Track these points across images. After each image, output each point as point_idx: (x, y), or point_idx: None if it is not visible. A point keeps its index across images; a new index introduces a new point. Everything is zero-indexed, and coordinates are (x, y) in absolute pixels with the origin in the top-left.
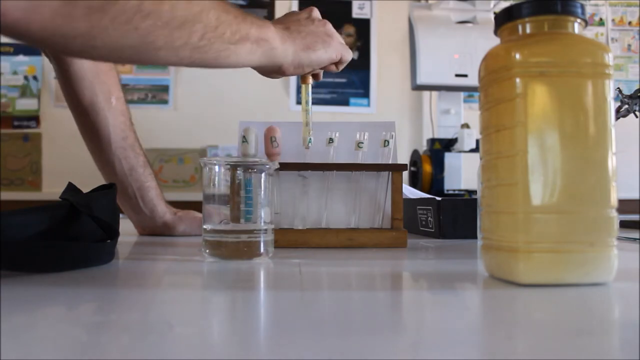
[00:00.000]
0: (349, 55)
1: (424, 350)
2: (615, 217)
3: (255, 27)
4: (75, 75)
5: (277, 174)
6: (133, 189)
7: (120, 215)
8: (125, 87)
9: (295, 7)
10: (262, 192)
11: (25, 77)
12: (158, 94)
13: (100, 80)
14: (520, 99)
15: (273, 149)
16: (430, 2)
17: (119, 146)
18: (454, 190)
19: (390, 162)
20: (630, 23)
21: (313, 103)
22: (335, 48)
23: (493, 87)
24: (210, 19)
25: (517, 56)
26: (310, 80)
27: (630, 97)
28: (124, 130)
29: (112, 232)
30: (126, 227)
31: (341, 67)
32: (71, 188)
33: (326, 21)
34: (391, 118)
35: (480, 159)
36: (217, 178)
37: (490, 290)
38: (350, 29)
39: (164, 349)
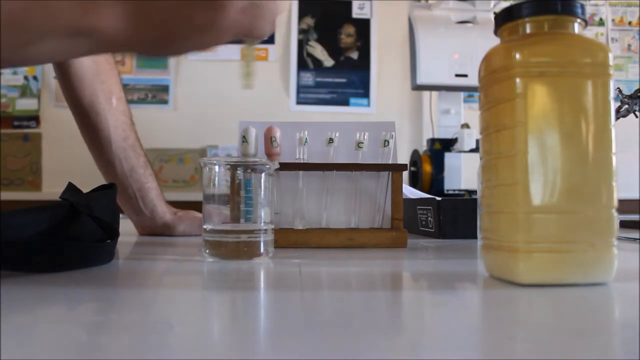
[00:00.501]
0: (254, 28)
1: (424, 350)
2: (615, 217)
3: (70, 15)
4: (74, 75)
5: (277, 174)
6: (133, 190)
7: (120, 215)
8: (125, 87)
9: (295, 7)
10: (262, 192)
11: (25, 77)
12: (158, 94)
13: (100, 80)
14: (520, 99)
15: (273, 149)
16: (430, 2)
17: (120, 146)
18: (454, 190)
19: (390, 162)
20: (630, 23)
21: (313, 103)
22: (220, 36)
23: (493, 87)
24: None
25: (517, 56)
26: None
27: (630, 97)
28: (124, 131)
29: (112, 232)
30: (126, 227)
31: (253, 40)
32: (71, 188)
33: None
34: (391, 118)
35: (480, 159)
36: (217, 178)
37: (490, 290)
38: (350, 29)
39: (164, 349)
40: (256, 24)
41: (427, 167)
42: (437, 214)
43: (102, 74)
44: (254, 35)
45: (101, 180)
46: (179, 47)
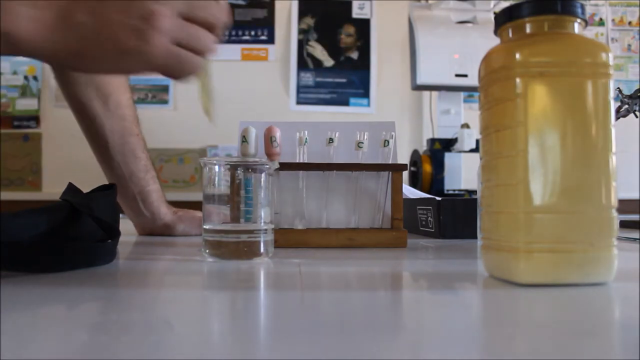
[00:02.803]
0: (184, 71)
1: (424, 350)
2: (615, 217)
3: None
4: (68, 76)
5: (277, 174)
6: (133, 192)
7: (121, 216)
8: None
9: (295, 7)
10: (262, 192)
11: (25, 77)
12: (158, 94)
13: (97, 83)
14: (520, 99)
15: (273, 149)
16: (430, 2)
17: (118, 151)
18: (454, 190)
19: (390, 162)
20: (630, 23)
21: (313, 103)
22: (145, 62)
23: (493, 87)
24: None
25: (517, 56)
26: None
27: (630, 97)
28: (123, 136)
29: (113, 232)
30: (126, 227)
31: (181, 80)
32: (71, 188)
33: (162, 7)
34: (391, 118)
35: (480, 159)
36: (217, 178)
37: (490, 290)
38: (350, 29)
39: (164, 349)
40: (176, 67)
41: (427, 167)
42: (437, 214)
43: (100, 77)
44: (169, 75)
45: (101, 181)
46: (96, 65)
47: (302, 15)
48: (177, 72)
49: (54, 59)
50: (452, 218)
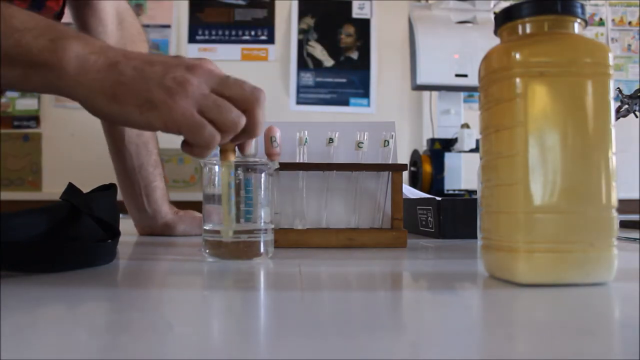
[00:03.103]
0: (202, 136)
1: (424, 350)
2: (615, 217)
3: (40, 49)
4: None
5: (277, 174)
6: (140, 187)
7: (121, 215)
8: None
9: (295, 7)
10: (262, 192)
11: None
12: None
13: None
14: (520, 99)
15: (273, 149)
16: (430, 2)
17: (132, 142)
18: (454, 190)
19: (390, 162)
20: (630, 23)
21: (313, 103)
22: (167, 116)
23: (493, 87)
24: None
25: (517, 56)
26: (233, 157)
27: (630, 97)
28: None
29: (113, 232)
30: (126, 227)
31: (198, 153)
32: (71, 188)
33: (196, 76)
34: (391, 118)
35: (480, 159)
36: (217, 178)
37: (490, 290)
38: (350, 29)
39: (164, 349)
40: (195, 132)
41: (427, 167)
42: (437, 214)
43: None
44: (187, 137)
45: (101, 180)
46: (122, 111)
47: (302, 15)
48: (195, 137)
49: (87, 97)
50: (452, 218)
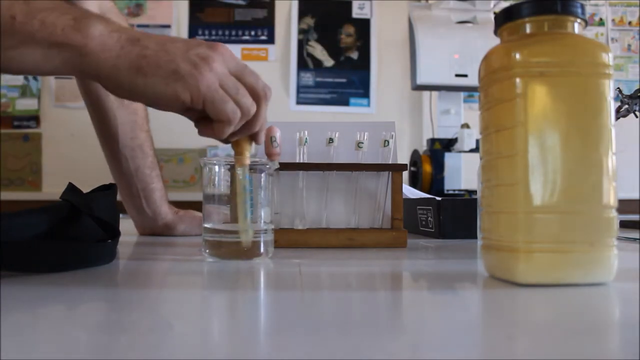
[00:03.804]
0: (225, 109)
1: (424, 350)
2: (615, 217)
3: (63, 28)
4: None
5: (277, 174)
6: (137, 189)
7: (121, 215)
8: None
9: (295, 7)
10: (262, 192)
11: (25, 77)
12: None
13: None
14: (520, 99)
15: (273, 149)
16: (430, 2)
17: (127, 145)
18: (454, 190)
19: (390, 162)
20: (630, 23)
21: (313, 103)
22: (192, 86)
23: (493, 87)
24: None
25: (517, 56)
26: (248, 161)
27: (630, 97)
28: (133, 130)
29: (113, 232)
30: (126, 227)
31: (219, 131)
32: (71, 188)
33: (218, 54)
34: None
35: (480, 159)
36: (217, 178)
37: (490, 290)
38: (350, 29)
39: (164, 349)
40: (217, 103)
41: (427, 167)
42: (437, 214)
43: None
44: (209, 109)
45: (101, 181)
46: (148, 83)
47: (302, 15)
48: (219, 110)
49: (110, 74)
50: (452, 218)
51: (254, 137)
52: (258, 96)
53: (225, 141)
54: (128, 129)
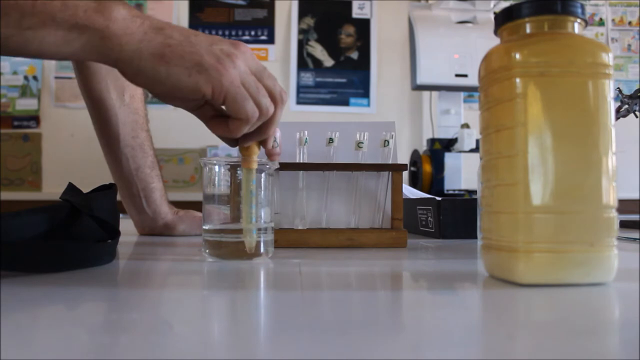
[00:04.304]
0: (245, 107)
1: (424, 350)
2: (615, 217)
3: (85, 10)
4: (89, 68)
5: (277, 174)
6: (138, 188)
7: (121, 215)
8: None
9: (295, 7)
10: (262, 192)
11: (25, 77)
12: None
13: (115, 75)
14: (520, 99)
15: (273, 149)
16: (430, 2)
17: (128, 144)
18: (454, 190)
19: (390, 162)
20: (630, 23)
21: (313, 103)
22: (216, 80)
23: (493, 87)
24: None
25: (517, 56)
26: (255, 164)
27: (630, 97)
28: (134, 129)
29: (113, 232)
30: (126, 227)
31: (235, 128)
32: (71, 188)
33: (240, 53)
34: (391, 118)
35: (480, 159)
36: (217, 178)
37: (490, 290)
38: (350, 29)
39: (164, 349)
40: (239, 99)
41: (427, 167)
42: (437, 214)
43: (116, 70)
44: (230, 105)
45: (101, 180)
46: (170, 72)
47: (302, 15)
48: (239, 107)
49: (132, 59)
50: (452, 218)
51: (263, 142)
52: (275, 99)
53: (234, 144)
54: (129, 128)
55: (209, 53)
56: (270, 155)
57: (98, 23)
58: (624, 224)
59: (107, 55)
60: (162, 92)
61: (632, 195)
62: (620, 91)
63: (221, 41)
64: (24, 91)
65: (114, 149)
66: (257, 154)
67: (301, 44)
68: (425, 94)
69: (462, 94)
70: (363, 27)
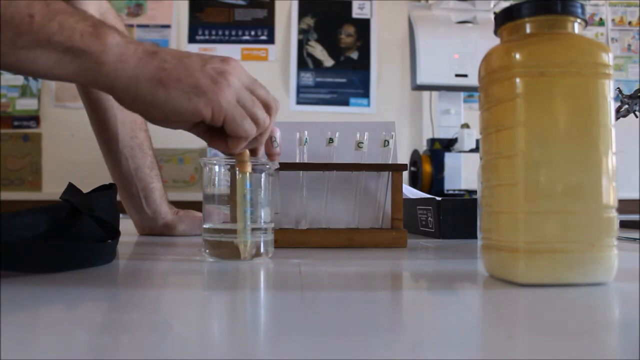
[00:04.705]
0: (244, 126)
1: (424, 350)
2: (615, 217)
3: (82, 34)
4: None
5: (277, 174)
6: (137, 189)
7: (121, 215)
8: None
9: (295, 7)
10: (262, 192)
11: (26, 77)
12: None
13: None
14: (520, 99)
15: (273, 149)
16: (430, 2)
17: (126, 145)
18: (454, 190)
19: (390, 162)
20: (630, 23)
21: (313, 103)
22: (215, 102)
23: (493, 87)
24: None
25: (517, 56)
26: (249, 168)
27: (630, 97)
28: (133, 130)
29: (113, 232)
30: (126, 227)
31: (233, 146)
32: (71, 188)
33: (232, 68)
34: (391, 118)
35: (480, 159)
36: (217, 178)
37: (490, 290)
38: (350, 29)
39: (164, 349)
40: (236, 119)
41: (427, 167)
42: (437, 214)
43: None
44: (228, 124)
45: (101, 180)
46: (168, 96)
47: (302, 15)
48: (237, 127)
49: (129, 85)
50: (452, 218)
51: (253, 150)
52: (270, 108)
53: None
54: (128, 129)
55: (204, 74)
56: (270, 155)
57: (93, 48)
58: (624, 224)
59: (102, 82)
60: (161, 117)
61: (632, 195)
62: (620, 91)
63: (212, 59)
64: (24, 91)
65: (113, 150)
66: (249, 158)
67: (301, 44)
68: (425, 94)
69: (462, 94)
70: (363, 27)
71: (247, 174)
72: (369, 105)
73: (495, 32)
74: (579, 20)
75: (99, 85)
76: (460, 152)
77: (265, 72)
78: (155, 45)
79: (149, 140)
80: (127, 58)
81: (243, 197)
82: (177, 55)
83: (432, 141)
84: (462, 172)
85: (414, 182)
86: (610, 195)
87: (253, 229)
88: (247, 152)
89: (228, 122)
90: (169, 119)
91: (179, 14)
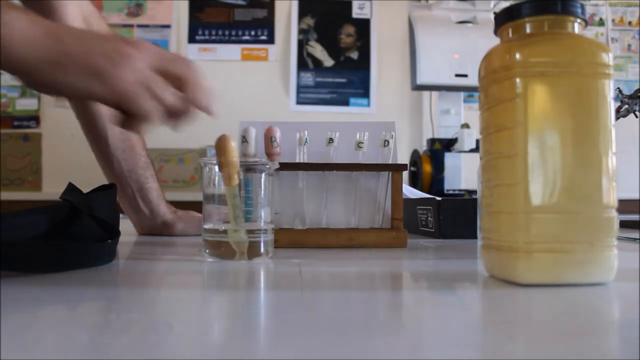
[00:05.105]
0: (143, 106)
1: (423, 350)
2: (615, 217)
3: None
4: None
5: (277, 174)
6: (133, 190)
7: (121, 215)
8: None
9: (295, 7)
10: (262, 192)
11: None
12: None
13: None
14: (520, 99)
15: (273, 149)
16: (430, 2)
17: (118, 148)
18: (454, 190)
19: (390, 162)
20: (630, 23)
21: (313, 103)
22: (109, 84)
23: (493, 87)
24: None
25: (517, 56)
26: (236, 181)
27: (630, 97)
28: (123, 132)
29: (113, 232)
30: (126, 227)
31: (132, 125)
32: (71, 188)
33: (138, 52)
34: (391, 118)
35: (480, 159)
36: (217, 178)
37: (490, 290)
38: (350, 29)
39: (164, 349)
40: (135, 101)
41: (427, 167)
42: (437, 214)
43: None
44: (127, 106)
45: (101, 180)
46: (68, 80)
47: (302, 15)
48: (134, 105)
49: (34, 70)
50: (452, 218)
51: (205, 109)
52: (187, 75)
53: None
54: (118, 131)
55: (103, 57)
56: (270, 155)
57: None
58: (624, 224)
59: (8, 68)
60: (67, 96)
61: (632, 195)
62: (620, 91)
63: (116, 40)
64: (24, 91)
65: (105, 153)
66: (237, 170)
67: (301, 44)
68: (425, 94)
69: (462, 94)
70: (363, 27)
71: (235, 187)
72: (369, 105)
73: (495, 32)
74: (579, 20)
75: (5, 70)
76: (460, 152)
77: (265, 72)
78: (59, 26)
79: (142, 141)
80: (27, 40)
81: (233, 209)
82: (81, 36)
83: (432, 141)
84: (462, 172)
85: (414, 182)
86: (610, 195)
87: (254, 230)
88: (234, 165)
89: (125, 103)
90: (72, 99)
91: (179, 14)
